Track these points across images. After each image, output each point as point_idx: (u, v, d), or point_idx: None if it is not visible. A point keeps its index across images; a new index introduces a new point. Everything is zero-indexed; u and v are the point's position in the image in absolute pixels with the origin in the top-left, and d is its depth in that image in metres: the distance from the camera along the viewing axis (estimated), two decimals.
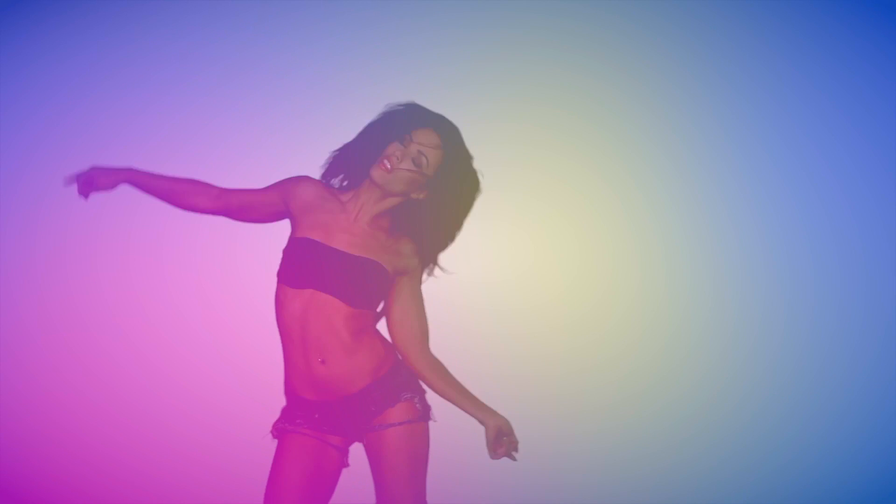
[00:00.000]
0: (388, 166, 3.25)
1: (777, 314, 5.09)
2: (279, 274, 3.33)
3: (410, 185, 3.29)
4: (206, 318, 4.95)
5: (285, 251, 3.34)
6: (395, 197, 3.32)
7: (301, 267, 3.27)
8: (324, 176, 3.39)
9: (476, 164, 3.34)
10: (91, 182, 3.35)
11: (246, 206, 3.41)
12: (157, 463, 4.94)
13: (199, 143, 5.00)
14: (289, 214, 3.38)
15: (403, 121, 3.29)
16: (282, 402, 3.41)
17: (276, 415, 3.41)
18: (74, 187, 3.35)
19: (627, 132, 5.12)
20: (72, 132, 4.99)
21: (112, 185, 3.39)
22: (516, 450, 3.34)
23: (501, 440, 3.31)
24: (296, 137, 4.90)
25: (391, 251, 3.33)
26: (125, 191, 4.74)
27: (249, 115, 4.96)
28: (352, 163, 3.35)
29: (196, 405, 4.94)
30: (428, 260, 3.38)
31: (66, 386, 4.95)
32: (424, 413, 3.36)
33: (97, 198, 5.04)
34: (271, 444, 3.41)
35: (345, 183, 3.38)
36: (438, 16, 4.99)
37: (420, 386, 3.38)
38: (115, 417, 4.96)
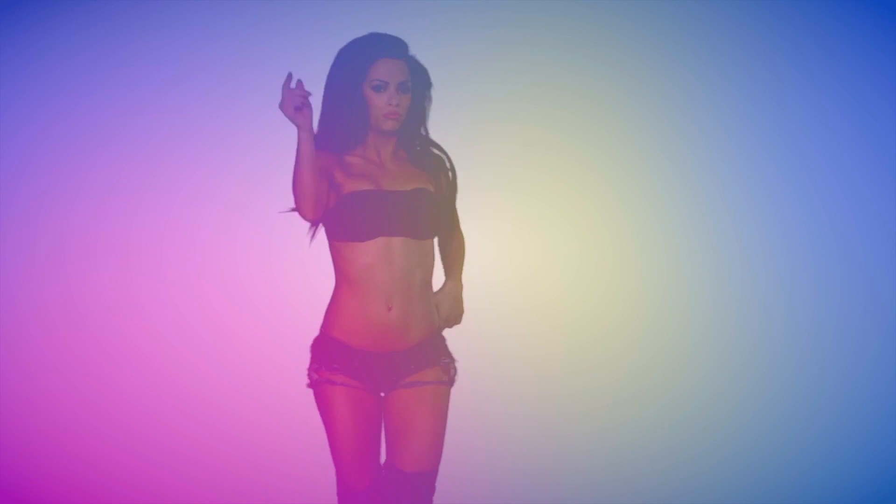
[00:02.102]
0: (394, 118, 3.37)
1: (777, 314, 5.09)
2: (337, 234, 3.37)
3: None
4: (206, 317, 4.96)
5: (337, 211, 3.36)
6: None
7: (364, 219, 3.33)
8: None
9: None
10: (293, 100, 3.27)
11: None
12: (157, 463, 4.94)
13: (199, 143, 5.00)
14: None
15: (358, 64, 3.37)
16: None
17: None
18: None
19: (627, 132, 5.12)
20: (72, 132, 4.99)
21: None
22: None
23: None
24: (296, 137, 4.90)
25: (424, 174, 3.46)
26: (125, 190, 4.74)
27: (249, 115, 4.96)
28: (343, 127, 3.42)
29: (195, 405, 4.94)
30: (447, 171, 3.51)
31: (66, 385, 4.95)
32: (452, 380, 3.46)
33: (97, 198, 5.04)
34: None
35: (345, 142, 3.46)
36: (438, 16, 4.99)
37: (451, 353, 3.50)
38: (115, 417, 4.96)
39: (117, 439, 4.95)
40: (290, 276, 4.86)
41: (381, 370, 3.39)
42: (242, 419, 4.91)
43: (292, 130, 3.34)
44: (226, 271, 4.96)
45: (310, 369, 3.45)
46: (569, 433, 5.02)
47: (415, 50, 3.47)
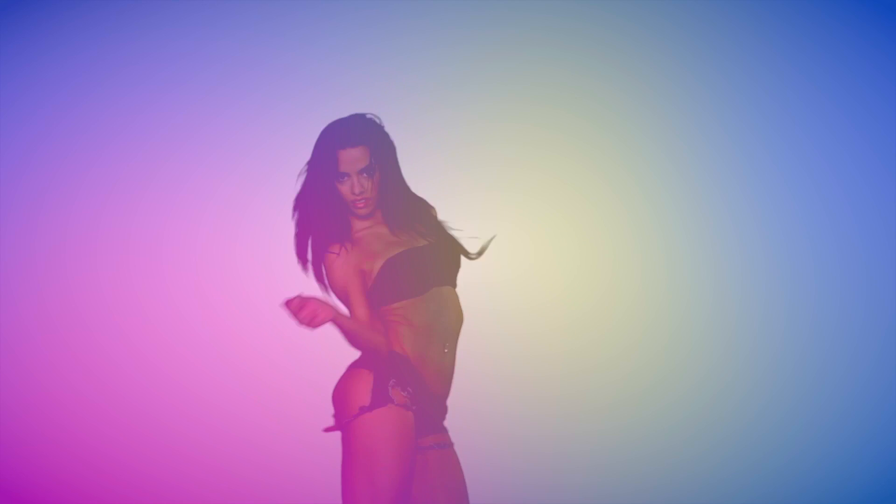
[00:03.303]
0: (361, 205, 3.34)
1: (778, 314, 5.09)
2: (394, 296, 3.32)
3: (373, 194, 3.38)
4: (205, 317, 4.96)
5: (385, 276, 3.33)
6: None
7: (414, 275, 3.33)
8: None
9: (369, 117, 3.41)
10: (313, 315, 3.21)
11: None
12: (156, 462, 4.95)
13: (199, 143, 5.00)
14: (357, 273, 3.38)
15: (322, 161, 3.35)
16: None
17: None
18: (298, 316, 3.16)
19: (628, 132, 5.12)
20: (72, 132, 4.99)
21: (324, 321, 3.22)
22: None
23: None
24: (296, 137, 4.90)
25: (413, 233, 3.44)
26: (125, 190, 4.74)
27: (249, 114, 4.96)
28: (330, 224, 3.39)
29: (195, 405, 4.95)
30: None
31: (65, 385, 4.95)
32: None
33: (97, 198, 5.05)
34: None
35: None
36: (438, 16, 4.99)
37: None
38: (114, 416, 4.96)
39: (117, 439, 4.96)
40: (290, 277, 4.86)
41: (428, 412, 3.34)
42: (242, 419, 4.91)
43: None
44: (226, 271, 4.96)
45: (384, 387, 3.28)
46: (569, 433, 5.02)
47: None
